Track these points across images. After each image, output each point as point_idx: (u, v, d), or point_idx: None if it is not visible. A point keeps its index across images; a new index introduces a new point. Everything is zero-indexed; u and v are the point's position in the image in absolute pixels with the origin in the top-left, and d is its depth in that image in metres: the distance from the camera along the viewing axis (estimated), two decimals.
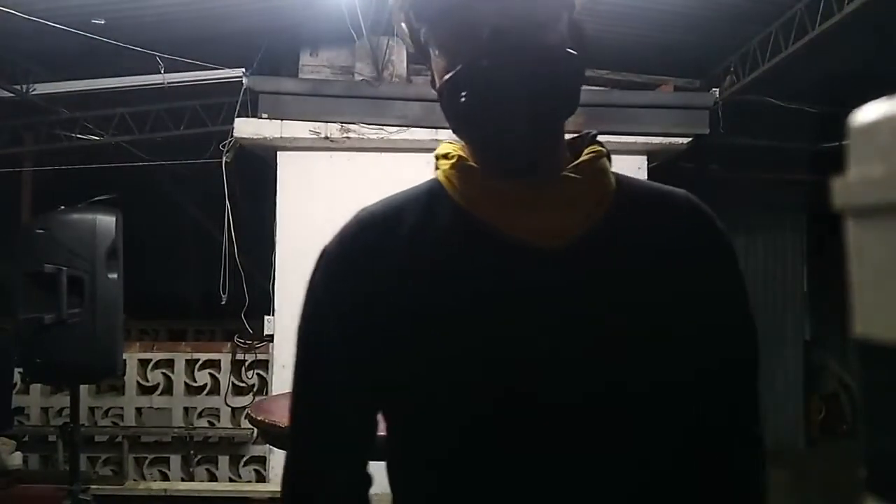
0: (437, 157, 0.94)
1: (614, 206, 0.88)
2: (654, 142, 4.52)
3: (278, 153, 4.91)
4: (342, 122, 4.76)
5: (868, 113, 0.38)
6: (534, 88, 0.80)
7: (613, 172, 0.92)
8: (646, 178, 4.52)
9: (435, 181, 0.93)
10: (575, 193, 0.87)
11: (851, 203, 0.38)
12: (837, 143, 5.29)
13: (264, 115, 4.77)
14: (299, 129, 4.77)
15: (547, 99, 0.82)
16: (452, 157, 0.91)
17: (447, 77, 0.83)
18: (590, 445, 0.83)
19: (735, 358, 0.92)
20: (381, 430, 0.94)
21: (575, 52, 0.85)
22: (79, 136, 5.71)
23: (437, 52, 0.87)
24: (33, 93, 5.22)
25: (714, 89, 5.09)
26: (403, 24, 0.91)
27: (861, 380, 0.38)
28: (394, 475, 0.93)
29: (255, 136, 4.78)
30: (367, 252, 0.89)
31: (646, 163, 4.54)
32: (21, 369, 4.28)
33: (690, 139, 4.54)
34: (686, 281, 0.87)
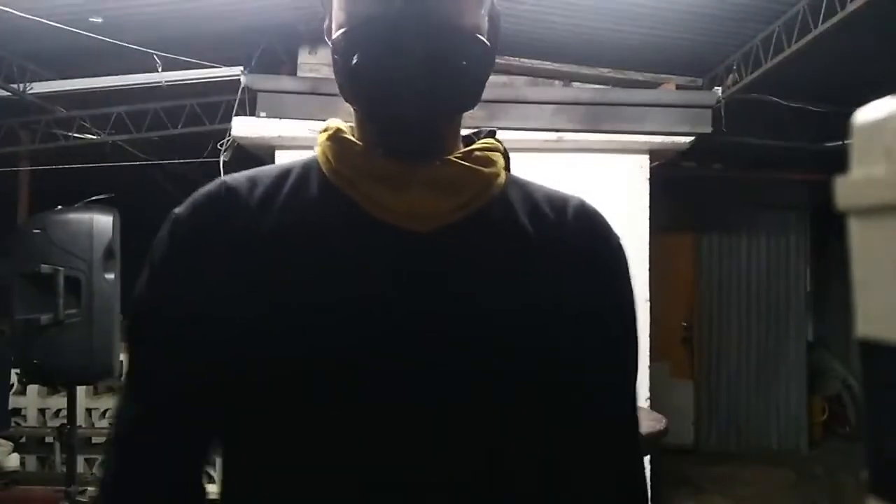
0: (326, 128, 0.89)
1: (495, 200, 0.85)
2: (655, 140, 4.50)
3: (277, 152, 4.89)
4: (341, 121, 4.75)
5: (871, 112, 0.38)
6: (437, 66, 0.75)
7: (509, 171, 0.90)
8: (647, 177, 4.50)
9: (312, 158, 0.89)
10: (452, 180, 0.82)
11: (854, 203, 0.38)
12: (840, 143, 5.32)
13: (262, 114, 4.75)
14: (298, 129, 4.74)
15: (450, 81, 0.77)
16: (331, 129, 0.87)
17: (343, 31, 0.78)
18: (430, 431, 0.78)
19: (603, 364, 0.87)
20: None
21: (487, 42, 0.81)
22: (76, 135, 5.69)
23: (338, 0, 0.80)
24: (30, 91, 5.20)
25: (716, 88, 5.07)
26: None
27: (864, 380, 0.38)
28: (234, 478, 0.85)
29: (254, 136, 4.76)
30: (219, 221, 0.82)
31: (647, 162, 4.52)
32: (18, 370, 4.27)
33: (693, 138, 4.52)
34: (556, 281, 0.84)
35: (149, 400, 0.84)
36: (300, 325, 0.78)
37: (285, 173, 0.87)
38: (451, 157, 0.83)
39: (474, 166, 0.84)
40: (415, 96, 0.75)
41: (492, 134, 0.91)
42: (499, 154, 0.88)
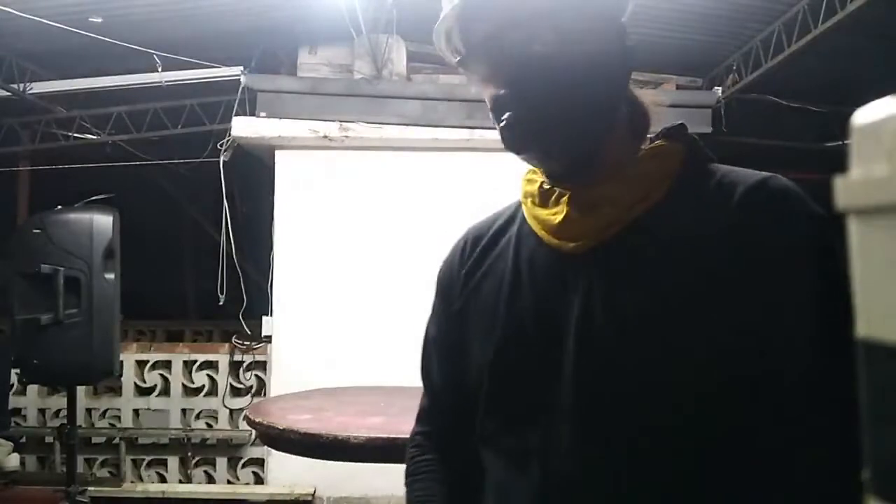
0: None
1: (658, 207, 0.86)
2: None
3: (276, 152, 4.89)
4: (341, 121, 4.74)
5: (871, 112, 0.38)
6: (562, 107, 0.84)
7: (691, 163, 0.89)
8: None
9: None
10: (594, 200, 0.88)
11: (854, 203, 0.38)
12: (840, 143, 5.31)
13: (262, 114, 4.75)
14: (298, 128, 4.74)
15: (577, 111, 0.85)
16: (530, 172, 0.99)
17: (489, 105, 0.90)
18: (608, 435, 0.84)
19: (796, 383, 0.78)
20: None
21: (607, 52, 0.87)
22: (76, 135, 5.69)
23: (479, 77, 0.91)
24: (30, 91, 5.20)
25: (716, 88, 5.08)
26: (444, 47, 0.94)
27: (865, 381, 0.38)
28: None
29: (254, 135, 4.76)
30: (460, 262, 1.04)
31: None
32: (18, 370, 4.26)
33: None
34: (726, 284, 0.80)
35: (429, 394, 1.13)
36: (481, 341, 0.95)
37: (501, 214, 1.04)
38: (595, 178, 0.89)
39: (622, 185, 0.88)
40: (552, 140, 0.86)
41: (676, 130, 0.92)
42: (671, 155, 0.90)
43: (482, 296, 0.98)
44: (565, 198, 0.91)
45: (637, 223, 0.86)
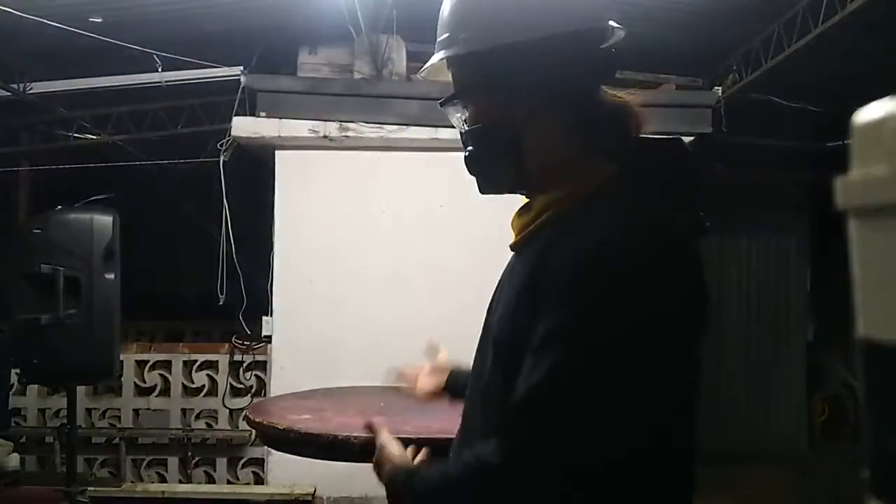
0: None
1: (548, 229, 1.05)
2: None
3: (276, 152, 4.89)
4: (341, 121, 4.74)
5: (871, 112, 0.38)
6: (471, 164, 1.14)
7: (602, 195, 1.03)
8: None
9: None
10: (523, 220, 1.12)
11: (854, 203, 0.38)
12: (840, 143, 5.28)
13: (262, 114, 4.75)
14: (298, 128, 4.74)
15: (477, 171, 1.14)
16: None
17: None
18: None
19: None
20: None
21: (501, 116, 1.09)
22: (76, 135, 5.68)
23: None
24: (30, 91, 5.20)
25: (716, 88, 5.07)
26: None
27: (864, 380, 0.38)
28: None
29: (254, 135, 4.76)
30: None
31: None
32: (18, 370, 4.26)
33: (692, 138, 4.52)
34: (521, 297, 1.02)
35: None
36: None
37: None
38: (528, 207, 1.12)
39: (538, 206, 1.09)
40: (478, 182, 1.16)
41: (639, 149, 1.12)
42: (591, 179, 1.05)
43: None
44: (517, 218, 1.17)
45: (524, 237, 1.10)
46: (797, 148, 5.55)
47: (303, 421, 2.22)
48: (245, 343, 4.98)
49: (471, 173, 1.14)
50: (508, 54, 1.02)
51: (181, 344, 5.51)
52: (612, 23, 1.09)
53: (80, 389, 4.33)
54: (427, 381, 1.54)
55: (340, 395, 2.95)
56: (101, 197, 3.67)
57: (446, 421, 1.39)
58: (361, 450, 2.00)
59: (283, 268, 4.85)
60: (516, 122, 1.05)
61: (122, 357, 4.27)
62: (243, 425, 4.70)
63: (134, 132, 5.58)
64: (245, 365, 5.01)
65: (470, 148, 1.11)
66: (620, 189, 1.02)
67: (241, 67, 4.90)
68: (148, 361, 5.06)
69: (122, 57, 4.71)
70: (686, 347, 1.00)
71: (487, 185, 1.14)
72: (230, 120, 4.81)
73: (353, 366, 4.42)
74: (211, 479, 4.98)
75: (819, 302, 7.37)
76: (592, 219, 0.97)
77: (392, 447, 1.22)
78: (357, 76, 4.92)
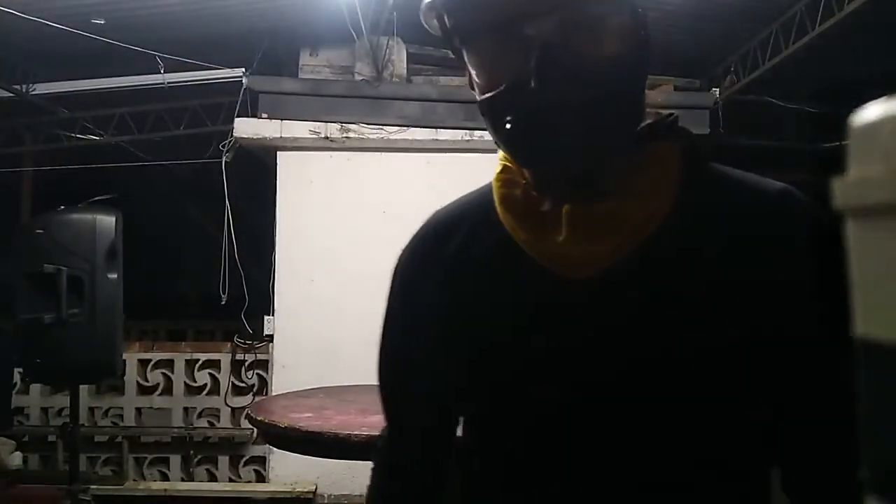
0: (499, 166, 0.90)
1: (666, 223, 0.78)
2: None
3: (278, 153, 4.91)
4: (342, 122, 4.76)
5: (868, 113, 0.38)
6: (586, 110, 0.72)
7: (694, 169, 0.81)
8: None
9: (490, 189, 0.90)
10: (605, 219, 0.78)
11: (852, 203, 0.38)
12: (838, 143, 5.28)
13: (264, 115, 4.77)
14: (299, 129, 4.76)
15: (603, 123, 0.74)
16: (501, 176, 0.87)
17: (488, 96, 0.76)
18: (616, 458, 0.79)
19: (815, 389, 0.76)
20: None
21: (633, 55, 0.76)
22: (79, 136, 5.70)
23: (476, 65, 0.79)
24: (33, 93, 5.22)
25: (714, 89, 5.08)
26: (435, 22, 0.81)
27: (862, 380, 0.38)
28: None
29: (255, 136, 4.78)
30: (424, 261, 0.93)
31: None
32: (21, 369, 4.28)
33: None
34: (745, 311, 0.75)
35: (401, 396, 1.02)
36: (459, 362, 0.88)
37: (471, 210, 0.91)
38: (605, 189, 0.79)
39: (633, 199, 0.78)
40: (572, 149, 0.75)
41: (672, 126, 0.84)
42: (674, 158, 0.81)
43: (461, 312, 0.87)
44: (563, 215, 0.79)
45: (646, 244, 0.77)
46: (795, 149, 5.56)
47: (304, 419, 2.25)
48: (247, 342, 5.00)
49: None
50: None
51: (183, 343, 5.52)
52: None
53: (83, 388, 4.34)
54: None
55: (341, 394, 2.98)
56: (104, 197, 3.68)
57: None
58: (362, 448, 2.02)
59: (285, 267, 4.87)
60: None
61: (124, 356, 4.28)
62: (245, 424, 4.72)
63: (136, 133, 5.60)
64: (247, 364, 5.03)
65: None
66: (700, 161, 0.88)
67: (243, 69, 4.92)
68: (150, 360, 5.08)
69: (125, 58, 4.72)
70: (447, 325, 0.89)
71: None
72: (232, 121, 4.83)
73: (353, 365, 4.44)
74: (213, 478, 4.99)
75: None
76: None
77: None
78: (358, 78, 4.95)
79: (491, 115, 0.77)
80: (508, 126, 0.75)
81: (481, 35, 0.76)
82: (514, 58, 0.73)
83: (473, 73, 0.79)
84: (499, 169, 0.88)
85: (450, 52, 0.83)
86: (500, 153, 0.87)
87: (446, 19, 0.78)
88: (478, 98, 0.79)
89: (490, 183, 0.90)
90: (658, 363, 0.76)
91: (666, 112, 0.85)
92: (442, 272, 0.88)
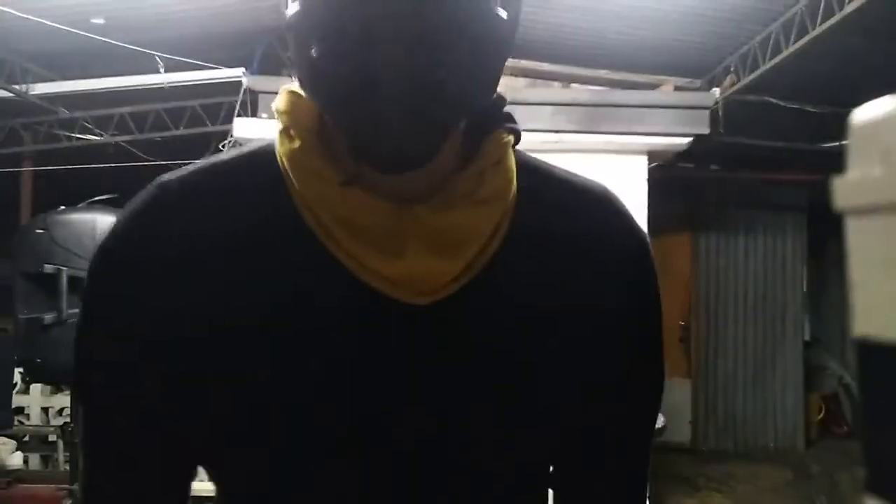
0: (278, 113, 0.66)
1: (511, 238, 0.66)
2: (654, 142, 4.51)
3: None
4: None
5: (868, 113, 0.38)
6: (437, 45, 0.54)
7: (516, 163, 0.69)
8: (646, 177, 4.51)
9: (271, 155, 0.66)
10: (457, 233, 0.63)
11: (851, 203, 0.38)
12: (837, 143, 5.32)
13: (264, 115, 4.76)
14: None
15: (456, 65, 0.55)
16: (294, 140, 0.64)
17: (299, 10, 0.56)
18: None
19: (627, 423, 0.75)
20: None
21: (504, 16, 0.58)
22: (78, 136, 5.70)
23: None
24: (33, 93, 5.21)
25: (714, 89, 5.08)
26: None
27: (861, 379, 0.38)
28: None
29: (255, 137, 4.75)
30: (165, 253, 0.63)
31: (646, 162, 4.53)
32: (21, 369, 4.27)
33: (690, 139, 4.53)
34: (587, 339, 0.69)
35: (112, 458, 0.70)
36: (259, 413, 0.64)
37: (236, 179, 0.66)
38: (452, 194, 0.63)
39: (482, 206, 0.64)
40: (405, 97, 0.54)
41: (499, 114, 0.69)
42: (509, 155, 0.68)
43: (241, 333, 0.63)
44: (406, 226, 0.61)
45: (494, 263, 0.65)
46: (794, 149, 5.56)
47: None
48: None
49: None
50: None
51: None
52: None
53: None
54: None
55: None
56: (104, 197, 3.69)
57: None
58: None
59: None
60: None
61: None
62: None
63: (136, 133, 5.60)
64: None
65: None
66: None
67: (243, 69, 4.91)
68: None
69: (124, 58, 4.72)
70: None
71: None
72: (232, 121, 4.82)
73: None
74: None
75: (816, 301, 7.39)
76: None
77: None
78: None
79: (302, 32, 0.57)
80: (316, 51, 0.55)
81: None
82: None
83: None
84: (290, 142, 0.64)
85: None
86: (283, 98, 0.66)
87: None
88: (288, 18, 0.58)
89: (266, 144, 0.67)
90: (503, 405, 0.66)
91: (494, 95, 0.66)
92: (194, 268, 0.63)
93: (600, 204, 0.73)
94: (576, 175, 0.75)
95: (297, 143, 0.63)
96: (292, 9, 0.57)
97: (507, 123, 0.69)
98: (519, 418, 0.67)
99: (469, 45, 0.55)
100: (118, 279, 0.64)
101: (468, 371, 0.65)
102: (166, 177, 0.67)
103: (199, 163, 0.69)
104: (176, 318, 0.63)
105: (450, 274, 0.63)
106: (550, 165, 0.74)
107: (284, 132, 0.65)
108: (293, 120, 0.65)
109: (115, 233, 0.65)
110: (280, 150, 0.65)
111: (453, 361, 0.65)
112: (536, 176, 0.71)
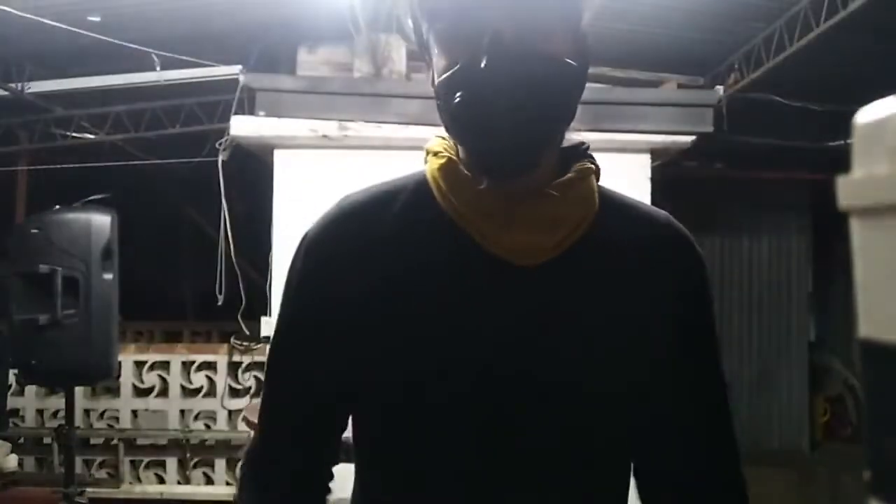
0: (428, 153, 0.96)
1: (593, 229, 0.93)
2: (657, 140, 4.48)
3: (275, 151, 4.87)
4: (340, 120, 4.72)
5: (873, 112, 0.37)
6: (529, 96, 0.82)
7: (600, 189, 0.96)
8: (649, 176, 4.48)
9: (422, 177, 0.96)
10: (554, 214, 0.90)
11: (856, 202, 0.38)
12: (842, 142, 5.29)
13: (261, 113, 4.73)
14: (297, 127, 4.72)
15: (541, 108, 0.84)
16: (443, 157, 0.93)
17: (445, 76, 0.85)
18: (539, 450, 0.91)
19: (700, 392, 0.99)
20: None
21: (576, 64, 0.87)
22: (74, 134, 5.67)
23: (437, 50, 0.88)
24: (28, 91, 5.19)
25: (718, 87, 5.06)
26: (408, 19, 0.93)
27: (866, 381, 0.38)
28: (363, 469, 1.02)
29: (252, 135, 4.74)
30: (349, 244, 0.93)
31: (649, 161, 4.51)
32: (16, 371, 4.25)
33: (694, 137, 4.50)
34: (654, 311, 0.93)
35: (290, 397, 0.99)
36: (416, 354, 0.90)
37: (399, 195, 0.95)
38: (549, 191, 0.90)
39: (570, 203, 0.91)
40: (510, 126, 0.82)
41: (586, 151, 0.97)
42: (593, 177, 0.95)
43: (405, 301, 0.91)
44: (515, 208, 0.89)
45: (581, 241, 0.92)
46: (799, 147, 5.54)
47: None
48: (244, 344, 4.97)
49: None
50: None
51: (179, 344, 5.50)
52: None
53: (79, 390, 4.32)
54: None
55: None
56: (100, 196, 3.66)
57: None
58: None
59: (282, 268, 4.81)
60: None
61: (120, 357, 4.25)
62: (242, 426, 4.69)
63: (132, 132, 5.56)
64: (244, 366, 5.00)
65: None
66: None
67: (240, 66, 4.89)
68: (146, 362, 5.05)
69: (121, 56, 4.70)
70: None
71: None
72: (229, 119, 4.79)
73: None
74: (209, 481, 4.96)
75: (821, 302, 7.36)
76: None
77: None
78: (357, 75, 4.91)
79: (444, 93, 0.86)
80: (457, 100, 0.83)
81: (445, 19, 0.86)
82: (470, 41, 0.82)
83: (435, 59, 0.88)
84: (436, 159, 0.94)
85: (420, 49, 0.93)
86: (433, 142, 0.96)
87: (417, 9, 0.90)
88: (435, 84, 0.88)
89: (419, 171, 0.97)
90: (596, 349, 0.91)
91: (578, 140, 0.97)
92: (370, 255, 0.92)
93: (666, 222, 0.99)
94: (646, 203, 1.03)
95: (448, 163, 0.92)
96: (442, 73, 0.86)
97: (589, 161, 0.96)
98: (610, 367, 0.91)
99: (557, 97, 0.86)
100: (317, 261, 0.95)
101: (567, 318, 0.91)
102: (350, 193, 0.99)
103: (373, 184, 0.99)
104: (357, 288, 0.91)
105: (546, 245, 0.90)
106: (626, 195, 1.01)
107: (436, 157, 0.94)
108: (444, 149, 0.94)
109: (316, 229, 0.97)
110: (432, 168, 0.94)
111: (555, 310, 0.91)
112: (614, 199, 0.99)
